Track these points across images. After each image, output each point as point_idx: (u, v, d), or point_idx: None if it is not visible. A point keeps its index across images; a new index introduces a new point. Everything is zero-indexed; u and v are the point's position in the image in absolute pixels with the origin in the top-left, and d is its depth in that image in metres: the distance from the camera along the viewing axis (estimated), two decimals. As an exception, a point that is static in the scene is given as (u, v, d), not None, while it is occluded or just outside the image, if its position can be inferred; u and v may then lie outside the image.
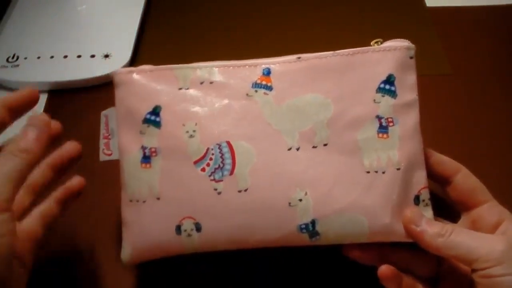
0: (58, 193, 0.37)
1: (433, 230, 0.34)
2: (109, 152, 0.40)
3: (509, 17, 0.62)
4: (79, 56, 0.58)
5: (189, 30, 0.63)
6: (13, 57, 0.58)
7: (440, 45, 0.59)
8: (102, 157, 0.41)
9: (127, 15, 0.63)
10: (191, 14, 0.65)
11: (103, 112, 0.42)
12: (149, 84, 0.39)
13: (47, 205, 0.37)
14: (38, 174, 0.37)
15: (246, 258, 0.41)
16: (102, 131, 0.41)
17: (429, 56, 0.58)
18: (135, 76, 0.39)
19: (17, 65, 0.57)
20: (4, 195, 0.30)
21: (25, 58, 0.58)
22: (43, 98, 0.56)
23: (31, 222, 0.36)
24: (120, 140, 0.39)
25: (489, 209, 0.38)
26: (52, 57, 0.58)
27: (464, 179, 0.39)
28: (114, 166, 0.40)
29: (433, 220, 0.36)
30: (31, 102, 0.36)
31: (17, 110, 0.36)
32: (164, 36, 0.62)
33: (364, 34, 0.60)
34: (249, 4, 0.66)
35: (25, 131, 0.34)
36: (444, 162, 0.40)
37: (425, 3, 0.64)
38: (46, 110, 0.55)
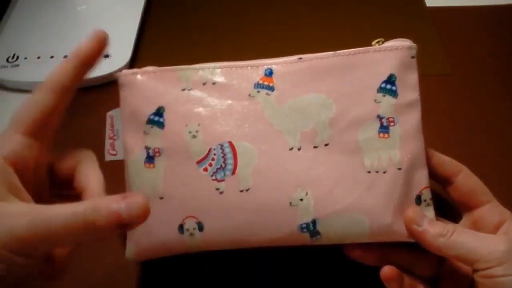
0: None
1: (434, 230, 0.34)
2: (114, 153, 0.41)
3: (509, 17, 0.62)
4: (79, 56, 0.58)
5: (189, 30, 0.63)
6: (13, 57, 0.58)
7: (440, 45, 0.59)
8: (108, 157, 0.41)
9: (127, 15, 0.63)
10: (191, 14, 0.65)
11: (109, 113, 0.42)
12: (152, 85, 0.39)
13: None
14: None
15: (248, 257, 0.41)
16: (108, 131, 0.42)
17: (429, 56, 0.58)
18: (139, 77, 0.39)
19: (17, 65, 0.57)
20: (50, 246, 0.28)
21: (25, 58, 0.58)
22: (43, 98, 0.56)
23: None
24: (125, 140, 0.39)
25: (491, 209, 0.38)
26: (52, 57, 0.58)
27: (466, 180, 0.39)
28: (120, 166, 0.40)
29: (435, 220, 0.36)
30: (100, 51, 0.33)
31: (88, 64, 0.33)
32: (164, 36, 0.62)
33: (365, 34, 0.60)
34: (250, 4, 0.66)
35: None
36: (446, 162, 0.39)
37: (425, 3, 0.64)
38: (46, 110, 0.55)
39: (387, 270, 0.36)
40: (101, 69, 0.56)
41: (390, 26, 0.62)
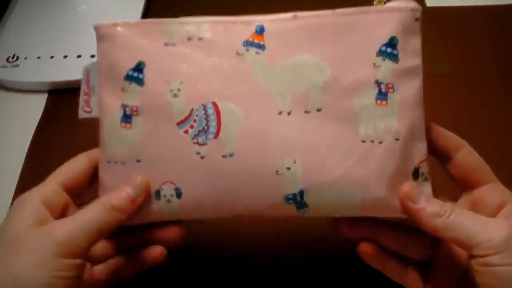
0: (137, 256, 0.37)
1: (431, 209, 0.32)
2: (89, 109, 0.38)
3: (509, 17, 0.62)
4: (79, 56, 0.58)
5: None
6: (13, 57, 0.58)
7: (440, 45, 0.59)
8: (82, 115, 0.38)
9: (127, 15, 0.63)
10: (191, 14, 0.65)
11: (85, 66, 0.39)
12: (133, 38, 0.36)
13: (123, 265, 0.38)
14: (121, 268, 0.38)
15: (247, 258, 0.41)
16: (83, 87, 0.38)
17: (429, 56, 0.58)
18: (119, 29, 0.36)
19: (17, 65, 0.57)
20: (85, 242, 0.32)
21: (25, 58, 0.58)
22: (43, 98, 0.56)
23: (101, 271, 0.37)
24: (100, 96, 0.37)
25: (491, 190, 0.35)
26: (52, 57, 0.58)
27: (467, 156, 0.36)
28: (95, 124, 0.38)
29: (432, 198, 0.33)
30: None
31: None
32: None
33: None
34: (250, 4, 0.66)
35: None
36: (447, 136, 0.36)
37: (425, 3, 0.64)
38: (46, 110, 0.55)
39: (363, 246, 0.35)
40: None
41: (390, 26, 0.62)
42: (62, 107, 0.55)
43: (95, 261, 0.37)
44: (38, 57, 0.58)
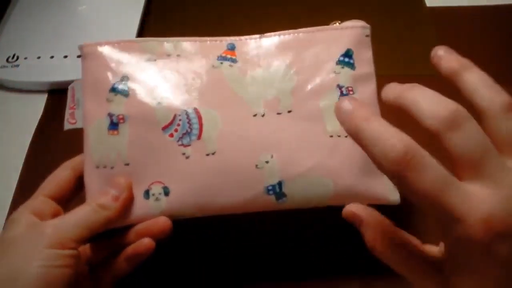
0: (127, 252, 0.38)
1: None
2: (74, 121, 0.41)
3: (509, 17, 0.62)
4: (79, 56, 0.57)
5: (189, 31, 0.62)
6: (13, 57, 0.58)
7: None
8: (67, 126, 0.41)
9: (127, 15, 0.63)
10: (191, 14, 0.65)
11: (70, 85, 0.42)
12: (116, 55, 0.40)
13: (118, 263, 0.38)
14: (116, 266, 0.38)
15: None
16: (68, 102, 0.41)
17: (429, 56, 0.58)
18: (103, 47, 0.40)
19: (17, 65, 0.57)
20: (74, 235, 0.34)
21: (25, 58, 0.58)
22: (43, 98, 0.56)
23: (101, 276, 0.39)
24: (86, 107, 0.39)
25: None
26: (52, 57, 0.58)
27: None
28: (78, 134, 0.39)
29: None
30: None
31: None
32: (164, 36, 0.62)
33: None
34: (251, 5, 0.66)
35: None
36: None
37: (425, 3, 0.64)
38: (46, 110, 0.55)
39: (346, 210, 0.30)
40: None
41: (390, 26, 0.62)
42: (62, 107, 0.55)
43: (90, 262, 0.39)
44: (38, 57, 0.58)
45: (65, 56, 0.58)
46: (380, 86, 0.36)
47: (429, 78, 0.56)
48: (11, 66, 0.57)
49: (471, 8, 0.63)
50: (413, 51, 0.58)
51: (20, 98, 0.56)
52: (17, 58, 0.58)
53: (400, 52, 0.58)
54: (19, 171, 0.51)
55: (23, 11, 0.64)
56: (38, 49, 0.59)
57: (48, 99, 0.56)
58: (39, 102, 0.56)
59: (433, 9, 0.63)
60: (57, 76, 0.56)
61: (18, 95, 0.56)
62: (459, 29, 0.61)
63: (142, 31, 0.62)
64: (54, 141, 0.52)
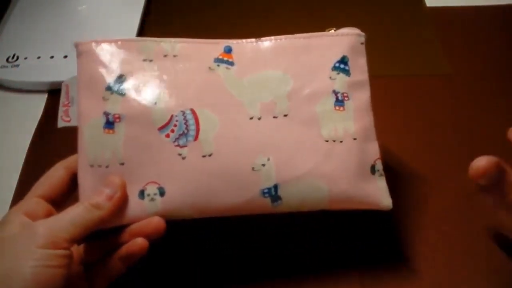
0: (121, 252, 0.38)
1: None
2: (68, 119, 0.40)
3: (509, 17, 0.62)
4: (79, 56, 0.58)
5: (189, 31, 0.62)
6: (13, 57, 0.58)
7: (440, 45, 0.59)
8: (61, 124, 0.40)
9: (127, 15, 0.63)
10: (191, 14, 0.65)
11: (64, 82, 0.41)
12: (113, 53, 0.40)
13: (112, 263, 0.38)
14: (111, 266, 0.38)
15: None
16: (62, 99, 0.41)
17: (429, 56, 0.58)
18: (100, 46, 0.40)
19: (17, 65, 0.57)
20: (67, 234, 0.34)
21: (25, 58, 0.58)
22: (43, 98, 0.56)
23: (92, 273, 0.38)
24: (81, 105, 0.39)
25: None
26: (52, 57, 0.58)
27: None
28: (72, 132, 0.39)
29: None
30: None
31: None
32: (164, 36, 0.62)
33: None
34: (252, 5, 0.66)
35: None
36: None
37: (425, 3, 0.64)
38: (46, 110, 0.55)
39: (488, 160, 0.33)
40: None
41: (390, 25, 0.62)
42: (62, 107, 0.55)
43: (85, 262, 0.38)
44: (38, 57, 0.58)
45: (65, 56, 0.58)
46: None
47: (429, 78, 0.56)
48: (11, 66, 0.57)
49: (471, 8, 0.63)
50: (413, 51, 0.58)
51: (20, 98, 0.56)
52: (17, 58, 0.58)
53: (400, 52, 0.58)
54: (19, 171, 0.51)
55: (23, 11, 0.64)
56: (38, 49, 0.59)
57: (48, 99, 0.56)
58: (39, 102, 0.56)
59: (433, 9, 0.64)
60: (57, 76, 0.56)
61: (18, 95, 0.56)
62: (459, 29, 0.61)
63: (142, 31, 0.62)
64: (54, 141, 0.52)
